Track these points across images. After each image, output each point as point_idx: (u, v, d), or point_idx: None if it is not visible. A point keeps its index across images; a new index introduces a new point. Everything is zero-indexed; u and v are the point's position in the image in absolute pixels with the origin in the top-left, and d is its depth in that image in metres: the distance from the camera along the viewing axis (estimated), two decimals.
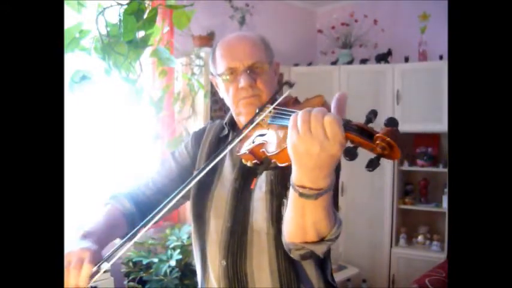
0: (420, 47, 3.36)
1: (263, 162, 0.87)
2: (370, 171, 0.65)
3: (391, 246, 3.35)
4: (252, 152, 0.87)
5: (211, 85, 2.59)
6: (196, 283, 1.18)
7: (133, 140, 2.69)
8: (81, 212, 2.45)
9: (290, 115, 0.70)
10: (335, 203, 0.87)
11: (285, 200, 0.93)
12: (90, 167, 2.51)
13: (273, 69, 1.07)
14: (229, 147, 0.85)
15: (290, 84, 0.92)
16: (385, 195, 3.35)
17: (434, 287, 2.56)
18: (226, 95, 1.05)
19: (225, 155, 1.05)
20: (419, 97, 3.23)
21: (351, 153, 0.65)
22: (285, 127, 0.77)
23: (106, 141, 2.58)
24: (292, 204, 0.76)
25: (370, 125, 0.68)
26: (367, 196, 3.40)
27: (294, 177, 0.72)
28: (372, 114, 0.68)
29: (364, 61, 3.52)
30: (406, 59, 3.38)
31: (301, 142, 0.66)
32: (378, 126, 0.66)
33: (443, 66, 3.13)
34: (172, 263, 2.37)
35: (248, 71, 0.99)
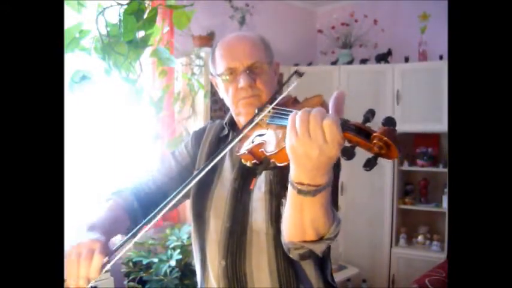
0: (420, 47, 3.36)
1: (262, 162, 0.88)
2: (367, 170, 0.65)
3: (391, 246, 3.35)
4: (251, 152, 0.87)
5: (211, 85, 2.59)
6: (196, 283, 1.18)
7: (133, 140, 2.69)
8: (81, 212, 2.45)
9: (289, 115, 0.70)
10: (335, 203, 0.87)
11: (283, 200, 0.92)
12: (90, 167, 2.51)
13: (273, 69, 1.07)
14: (229, 147, 0.85)
15: (300, 74, 0.91)
16: (385, 195, 3.35)
17: (434, 287, 2.56)
18: (226, 95, 1.05)
19: (224, 155, 1.05)
20: (419, 97, 3.23)
21: (348, 153, 0.65)
22: (284, 127, 0.77)
23: (106, 141, 2.58)
24: (290, 202, 0.76)
25: (368, 124, 0.68)
26: (367, 196, 3.40)
27: (292, 175, 0.72)
28: (370, 114, 0.68)
29: (364, 61, 3.52)
30: (406, 59, 3.38)
31: (300, 144, 0.66)
32: (377, 125, 0.66)
33: (443, 66, 3.13)
34: (172, 263, 2.37)
35: (248, 71, 0.99)
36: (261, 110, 0.88)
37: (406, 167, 3.41)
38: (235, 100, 1.02)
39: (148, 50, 1.82)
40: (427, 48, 3.34)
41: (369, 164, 0.64)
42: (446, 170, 3.22)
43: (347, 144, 0.67)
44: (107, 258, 0.80)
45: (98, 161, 2.54)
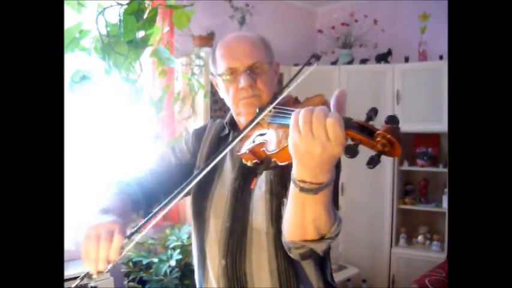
0: (420, 47, 3.36)
1: (263, 162, 0.88)
2: (370, 168, 0.65)
3: (391, 246, 3.35)
4: (252, 152, 0.87)
5: (211, 85, 2.59)
6: None
7: (133, 140, 2.69)
8: (80, 212, 2.45)
9: (290, 114, 0.70)
10: (335, 203, 0.87)
11: (285, 200, 0.93)
12: (90, 166, 2.51)
13: (273, 69, 1.07)
14: (231, 146, 0.85)
15: (317, 57, 0.91)
16: (385, 195, 3.35)
17: (434, 287, 2.56)
18: (226, 95, 1.05)
19: (225, 155, 1.05)
20: (419, 97, 3.23)
21: (351, 151, 0.65)
22: (285, 126, 0.77)
23: (106, 141, 2.58)
24: (292, 201, 0.76)
25: (371, 122, 0.68)
26: (367, 196, 3.40)
27: (295, 173, 0.72)
28: (373, 112, 0.68)
29: (364, 61, 3.52)
30: (406, 59, 3.38)
31: (302, 142, 0.66)
32: (379, 125, 0.67)
33: (443, 66, 3.13)
34: (172, 263, 2.37)
35: (248, 71, 0.99)
36: (262, 110, 0.88)
37: (406, 167, 3.41)
38: (236, 100, 1.02)
39: (148, 50, 1.82)
40: (427, 48, 3.34)
41: (372, 162, 0.64)
42: (446, 170, 3.22)
43: (350, 142, 0.67)
44: (126, 239, 0.79)
45: (98, 161, 2.54)
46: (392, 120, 0.65)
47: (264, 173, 1.00)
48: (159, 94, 2.58)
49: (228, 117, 1.14)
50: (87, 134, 2.49)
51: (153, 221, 0.83)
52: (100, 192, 1.05)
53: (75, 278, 0.81)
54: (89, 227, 0.81)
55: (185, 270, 2.45)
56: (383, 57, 3.44)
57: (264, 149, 0.82)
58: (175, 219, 2.84)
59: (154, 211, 0.83)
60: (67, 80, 1.62)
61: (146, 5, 1.67)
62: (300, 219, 0.78)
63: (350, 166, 3.23)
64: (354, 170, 3.19)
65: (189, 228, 2.54)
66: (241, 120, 1.05)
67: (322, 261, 1.04)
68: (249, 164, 0.90)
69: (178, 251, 2.44)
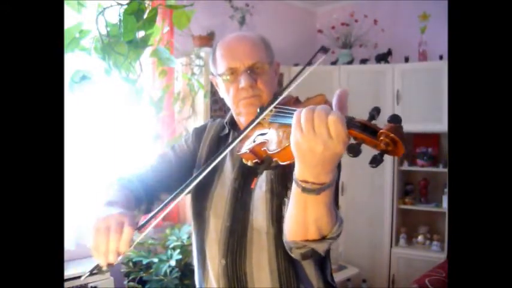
0: (420, 47, 3.36)
1: (264, 162, 0.88)
2: (373, 167, 0.65)
3: (391, 246, 3.35)
4: (253, 151, 0.87)
5: (211, 85, 2.59)
6: None
7: (134, 140, 2.69)
8: (80, 212, 2.45)
9: (291, 113, 0.70)
10: (335, 203, 0.87)
11: (286, 200, 0.93)
12: (90, 167, 2.51)
13: (273, 70, 1.07)
14: (232, 145, 0.85)
15: (325, 50, 0.90)
16: (385, 195, 3.35)
17: (434, 287, 2.56)
18: (226, 95, 1.05)
19: (225, 155, 1.05)
20: (419, 97, 3.23)
21: (354, 150, 0.65)
22: (286, 125, 0.77)
23: (106, 141, 2.58)
24: (294, 201, 0.76)
25: (373, 122, 0.68)
26: (367, 196, 3.40)
27: (297, 173, 0.72)
28: (375, 111, 0.68)
29: (364, 61, 3.52)
30: (406, 59, 3.38)
31: (304, 141, 0.66)
32: (380, 124, 0.67)
33: (443, 66, 3.13)
34: (172, 263, 2.37)
35: (249, 71, 0.99)
36: (263, 108, 0.88)
37: (406, 167, 3.41)
38: (236, 100, 1.02)
39: (148, 50, 1.82)
40: (427, 48, 3.34)
41: (375, 161, 0.64)
42: (446, 170, 3.22)
43: (352, 141, 0.67)
44: (136, 231, 0.78)
45: (98, 161, 2.54)
46: (395, 119, 0.65)
47: (265, 173, 1.00)
48: (159, 94, 2.58)
49: (228, 117, 1.14)
50: (87, 134, 2.49)
51: (161, 215, 0.82)
52: (102, 189, 1.05)
53: (75, 278, 0.81)
54: (98, 219, 0.79)
55: (185, 270, 2.45)
56: (383, 57, 3.44)
57: (265, 148, 0.82)
58: (175, 219, 2.84)
59: (165, 202, 0.82)
60: (67, 80, 1.62)
61: (146, 5, 1.67)
62: (302, 219, 0.78)
63: (350, 166, 3.25)
64: (354, 169, 3.19)
65: (189, 228, 2.54)
66: (242, 120, 1.05)
67: (322, 261, 1.04)
68: (249, 163, 0.90)
69: (178, 251, 2.44)
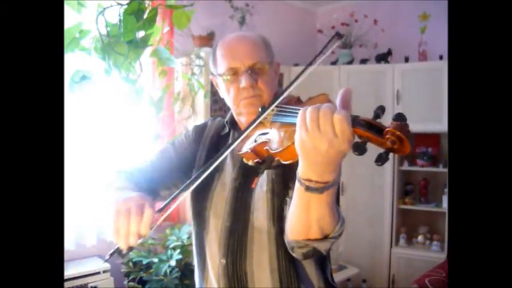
0: (420, 47, 3.36)
1: (265, 161, 0.87)
2: (379, 165, 0.65)
3: (391, 246, 3.35)
4: (254, 151, 0.87)
5: (211, 85, 2.59)
6: None
7: (134, 140, 2.69)
8: (80, 212, 2.45)
9: (293, 112, 0.70)
10: (337, 201, 0.87)
11: (287, 199, 0.93)
12: (90, 167, 2.51)
13: (274, 69, 1.07)
14: (234, 145, 0.85)
15: (340, 36, 0.90)
16: (385, 195, 3.35)
17: (434, 287, 2.56)
18: (227, 95, 1.05)
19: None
20: (419, 97, 3.23)
21: (360, 149, 0.65)
22: (289, 125, 0.77)
23: (106, 141, 2.58)
24: (297, 200, 0.76)
25: (378, 120, 0.68)
26: (367, 196, 3.40)
27: (301, 171, 0.72)
28: (380, 110, 0.68)
29: (364, 61, 3.52)
30: (406, 59, 3.38)
31: (309, 139, 0.66)
32: (384, 123, 0.67)
33: (443, 66, 3.13)
34: (172, 263, 2.38)
35: (249, 71, 0.99)
36: (264, 108, 0.88)
37: (406, 167, 3.41)
38: (237, 100, 1.02)
39: (148, 50, 1.82)
40: (427, 48, 3.34)
41: (381, 159, 0.64)
42: (446, 170, 3.22)
43: (358, 140, 0.67)
44: (156, 214, 0.78)
45: (98, 161, 2.54)
46: (401, 117, 0.65)
47: (266, 172, 1.00)
48: (159, 94, 2.58)
49: (228, 117, 1.14)
50: (87, 134, 2.49)
51: (178, 200, 0.82)
52: (108, 183, 1.04)
53: (75, 278, 0.80)
54: (119, 201, 0.79)
55: (185, 270, 2.45)
56: (383, 57, 3.44)
57: (267, 148, 0.82)
58: (175, 219, 2.84)
59: (182, 187, 0.82)
60: (67, 80, 1.62)
61: (146, 5, 1.67)
62: (305, 218, 0.78)
63: (350, 166, 3.26)
64: (354, 169, 3.19)
65: (189, 228, 2.54)
66: (242, 120, 1.05)
67: (322, 261, 1.04)
68: (250, 163, 0.90)
69: (178, 251, 2.44)
